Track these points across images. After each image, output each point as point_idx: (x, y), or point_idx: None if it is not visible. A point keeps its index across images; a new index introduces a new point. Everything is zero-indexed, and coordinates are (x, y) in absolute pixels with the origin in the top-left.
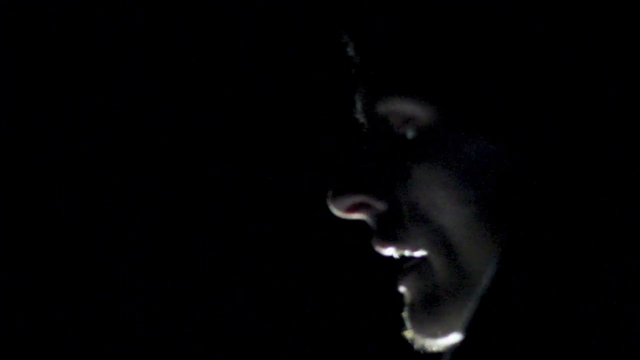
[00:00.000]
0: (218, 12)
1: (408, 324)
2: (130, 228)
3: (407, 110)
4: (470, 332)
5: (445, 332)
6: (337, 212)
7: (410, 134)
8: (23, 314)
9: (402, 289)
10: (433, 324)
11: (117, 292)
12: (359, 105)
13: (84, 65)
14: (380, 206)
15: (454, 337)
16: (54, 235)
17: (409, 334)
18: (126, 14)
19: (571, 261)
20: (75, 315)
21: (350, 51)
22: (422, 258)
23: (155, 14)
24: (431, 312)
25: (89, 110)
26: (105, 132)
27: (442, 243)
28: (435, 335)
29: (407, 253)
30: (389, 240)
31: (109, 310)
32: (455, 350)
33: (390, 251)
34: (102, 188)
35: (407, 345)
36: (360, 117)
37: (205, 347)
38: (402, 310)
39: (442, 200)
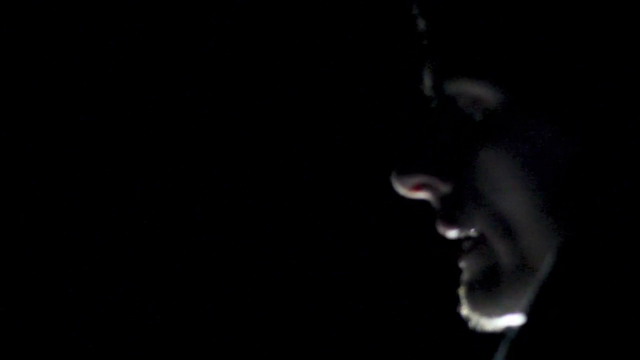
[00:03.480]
0: None
1: (464, 301)
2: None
3: (475, 92)
4: (529, 318)
5: (502, 314)
6: (401, 191)
7: (478, 115)
8: (23, 313)
9: (462, 265)
10: (490, 303)
11: (117, 292)
12: (427, 82)
13: (83, 66)
14: (445, 188)
15: (510, 320)
16: (54, 235)
17: (464, 310)
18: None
19: (635, 255)
20: (75, 315)
21: (422, 25)
22: (483, 239)
23: (159, 13)
24: (489, 291)
25: (90, 111)
26: (105, 131)
27: (503, 227)
28: (491, 315)
29: (469, 234)
30: (452, 223)
31: (109, 310)
32: (515, 333)
33: (453, 233)
34: (102, 187)
35: (462, 322)
36: (429, 93)
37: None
38: (457, 288)
39: (505, 185)
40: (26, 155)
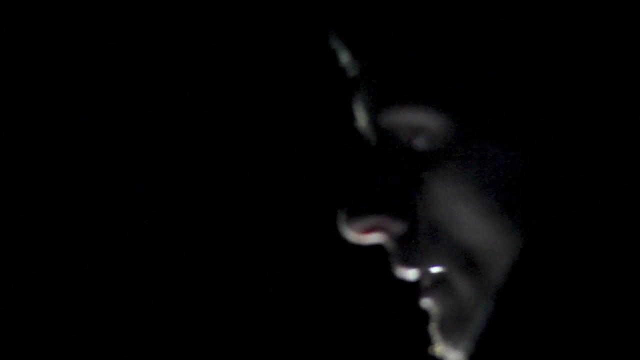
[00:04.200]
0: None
1: (439, 338)
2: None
3: (415, 121)
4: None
5: (472, 346)
6: (352, 235)
7: (420, 145)
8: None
9: (426, 303)
10: (461, 340)
11: (117, 292)
12: (360, 118)
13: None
14: (397, 227)
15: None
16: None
17: (438, 348)
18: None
19: (597, 277)
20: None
21: (345, 57)
22: (443, 274)
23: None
24: (463, 327)
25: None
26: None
27: (464, 259)
28: (464, 349)
29: (429, 272)
30: (410, 263)
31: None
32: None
33: (412, 274)
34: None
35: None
36: (364, 131)
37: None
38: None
39: (462, 214)
40: (26, 156)
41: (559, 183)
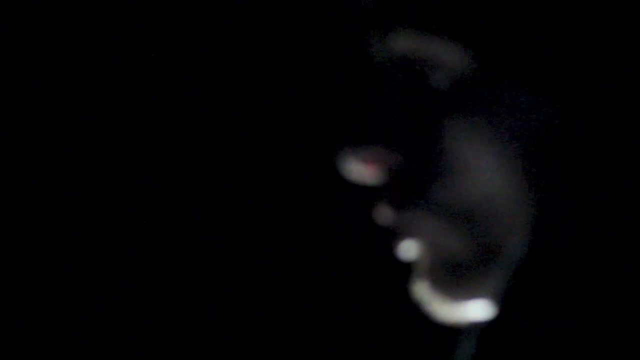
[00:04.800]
0: None
1: (421, 280)
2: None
3: (435, 55)
4: (500, 310)
5: (464, 300)
6: (350, 174)
7: (438, 82)
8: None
9: (407, 248)
10: (454, 287)
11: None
12: (374, 46)
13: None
14: (400, 166)
15: (474, 308)
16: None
17: (420, 290)
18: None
19: (617, 235)
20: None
21: None
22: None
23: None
24: (452, 274)
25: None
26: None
27: (470, 209)
28: (452, 302)
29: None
30: (400, 204)
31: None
32: (483, 328)
33: (395, 220)
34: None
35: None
36: (377, 60)
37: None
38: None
39: (474, 161)
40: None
41: (586, 139)
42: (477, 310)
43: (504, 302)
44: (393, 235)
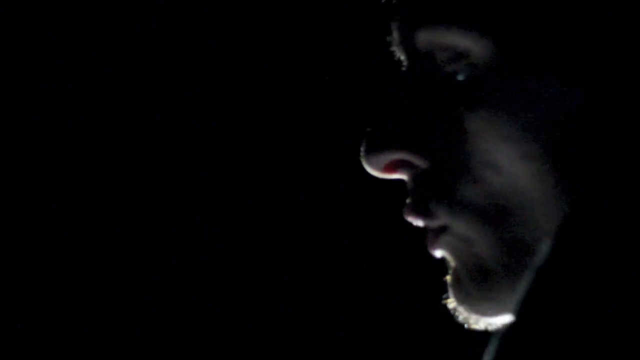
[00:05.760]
0: None
1: (452, 292)
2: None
3: (458, 44)
4: (522, 313)
5: (496, 311)
6: (373, 172)
7: (461, 73)
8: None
9: (439, 252)
10: (483, 299)
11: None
12: (396, 36)
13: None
14: (424, 164)
15: (505, 318)
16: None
17: (451, 303)
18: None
19: None
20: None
21: None
22: (464, 224)
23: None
24: (481, 284)
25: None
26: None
27: (498, 207)
28: (484, 313)
29: (448, 218)
30: (427, 207)
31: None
32: (505, 332)
33: (422, 222)
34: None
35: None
36: (398, 51)
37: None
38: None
39: (501, 155)
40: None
41: (620, 133)
42: (505, 313)
43: (532, 306)
44: (424, 236)
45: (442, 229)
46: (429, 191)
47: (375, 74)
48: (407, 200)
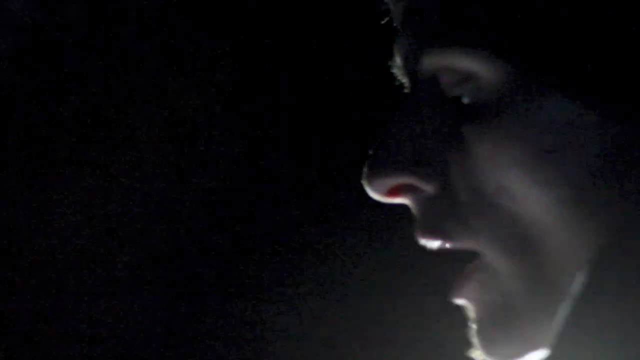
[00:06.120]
0: None
1: (476, 343)
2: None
3: (463, 67)
4: (556, 352)
5: (527, 352)
6: (375, 196)
7: (468, 96)
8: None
9: (461, 301)
10: (510, 343)
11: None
12: (398, 59)
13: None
14: (429, 188)
15: (539, 355)
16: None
17: (478, 355)
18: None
19: None
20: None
21: None
22: (480, 255)
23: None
24: (506, 328)
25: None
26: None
27: (516, 239)
28: (515, 356)
29: (461, 247)
30: (436, 231)
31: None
32: None
33: (436, 244)
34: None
35: None
36: (400, 75)
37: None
38: (463, 326)
39: (515, 183)
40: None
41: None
42: (534, 351)
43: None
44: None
45: (475, 266)
46: (442, 213)
47: (377, 89)
48: (417, 223)
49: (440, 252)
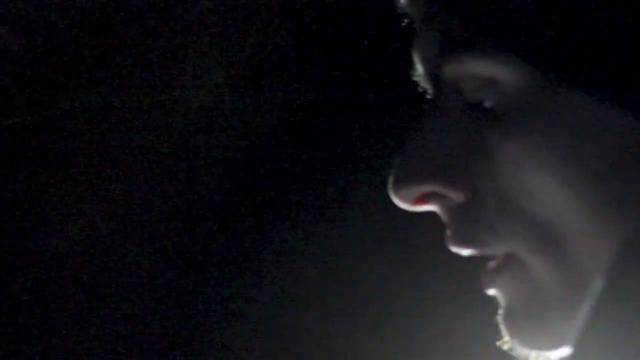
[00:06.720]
0: None
1: (506, 329)
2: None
3: (484, 72)
4: (581, 344)
5: (555, 345)
6: (402, 204)
7: (490, 101)
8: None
9: (493, 291)
10: (539, 333)
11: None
12: (419, 67)
13: None
14: (457, 196)
15: (564, 350)
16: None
17: (507, 343)
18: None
19: None
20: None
21: None
22: (514, 258)
23: None
24: (536, 319)
25: None
26: None
27: (543, 238)
28: (541, 347)
29: (494, 253)
30: (469, 240)
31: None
32: None
33: (469, 252)
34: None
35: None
36: (422, 82)
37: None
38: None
39: (540, 184)
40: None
41: None
42: (562, 346)
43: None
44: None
45: (508, 258)
46: (471, 221)
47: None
48: (448, 232)
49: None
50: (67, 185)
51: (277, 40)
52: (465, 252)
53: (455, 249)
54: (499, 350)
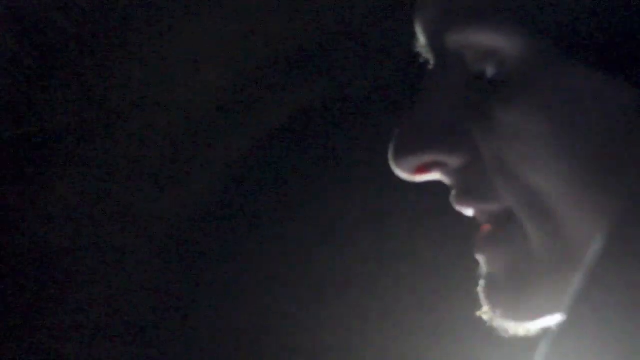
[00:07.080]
0: None
1: (485, 300)
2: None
3: (486, 42)
4: (571, 318)
5: (535, 316)
6: (403, 175)
7: (491, 71)
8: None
9: (480, 257)
10: (519, 304)
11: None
12: (421, 37)
13: None
14: (457, 162)
15: (547, 321)
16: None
17: (485, 313)
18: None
19: None
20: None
21: None
22: (509, 218)
23: None
24: (519, 289)
25: None
26: None
27: (536, 206)
28: (521, 319)
29: (492, 210)
30: (471, 195)
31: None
32: (553, 338)
33: (472, 210)
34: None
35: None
36: (424, 52)
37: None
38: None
39: (537, 153)
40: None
41: None
42: (543, 317)
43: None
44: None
45: (504, 221)
46: (473, 180)
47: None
48: (453, 191)
49: (474, 221)
50: (67, 185)
51: (278, 40)
52: (468, 208)
53: (459, 207)
54: (496, 342)
